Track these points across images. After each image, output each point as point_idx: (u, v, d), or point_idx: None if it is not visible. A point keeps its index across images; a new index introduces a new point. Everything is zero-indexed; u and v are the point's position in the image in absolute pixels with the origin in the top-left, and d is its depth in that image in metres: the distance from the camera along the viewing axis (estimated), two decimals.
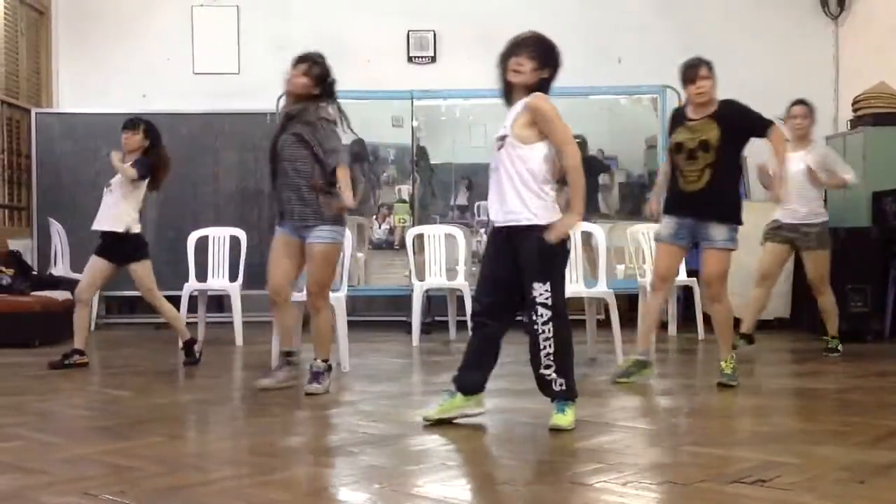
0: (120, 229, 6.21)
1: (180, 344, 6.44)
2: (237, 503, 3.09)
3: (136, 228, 6.29)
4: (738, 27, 9.78)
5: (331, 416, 4.65)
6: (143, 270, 6.29)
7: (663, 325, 7.99)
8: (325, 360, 5.28)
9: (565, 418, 4.21)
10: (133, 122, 6.38)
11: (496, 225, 4.32)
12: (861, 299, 7.46)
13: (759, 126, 5.41)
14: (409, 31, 9.88)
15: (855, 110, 8.67)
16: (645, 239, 8.01)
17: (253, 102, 9.17)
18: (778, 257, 6.75)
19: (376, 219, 9.75)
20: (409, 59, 9.89)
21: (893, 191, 7.88)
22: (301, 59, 5.26)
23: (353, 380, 5.79)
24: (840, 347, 6.69)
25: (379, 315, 9.40)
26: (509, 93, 4.35)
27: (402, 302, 8.78)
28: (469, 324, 4.47)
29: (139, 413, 4.78)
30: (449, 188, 9.62)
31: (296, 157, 5.17)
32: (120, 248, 6.25)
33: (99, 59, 9.86)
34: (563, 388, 4.22)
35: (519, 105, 4.26)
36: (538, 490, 3.28)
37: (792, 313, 8.21)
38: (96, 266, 6.29)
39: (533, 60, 4.23)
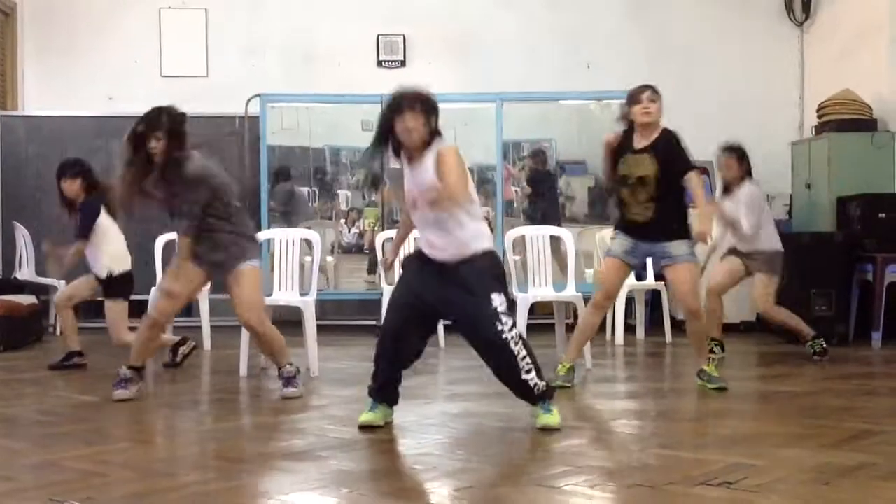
0: (120, 267, 6.36)
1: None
2: None
3: None
4: (706, 35, 9.85)
5: (299, 421, 4.64)
6: (117, 309, 6.29)
7: (631, 329, 8.05)
8: (290, 364, 5.30)
9: (554, 417, 4.27)
10: (70, 169, 6.31)
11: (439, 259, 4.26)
12: (826, 303, 7.54)
13: (679, 166, 5.37)
14: (378, 35, 9.88)
15: (820, 116, 8.76)
16: None
17: (221, 105, 9.11)
18: (733, 272, 6.71)
19: (346, 223, 9.73)
20: (379, 63, 9.88)
21: (857, 196, 7.98)
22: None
23: (322, 384, 5.78)
24: (821, 346, 6.72)
25: (348, 319, 9.38)
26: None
27: (371, 306, 8.77)
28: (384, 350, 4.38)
29: (106, 418, 4.74)
30: None
31: None
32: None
33: (65, 61, 9.77)
34: (545, 388, 4.28)
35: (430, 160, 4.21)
36: (505, 492, 3.30)
37: (757, 317, 8.28)
38: (89, 282, 6.39)
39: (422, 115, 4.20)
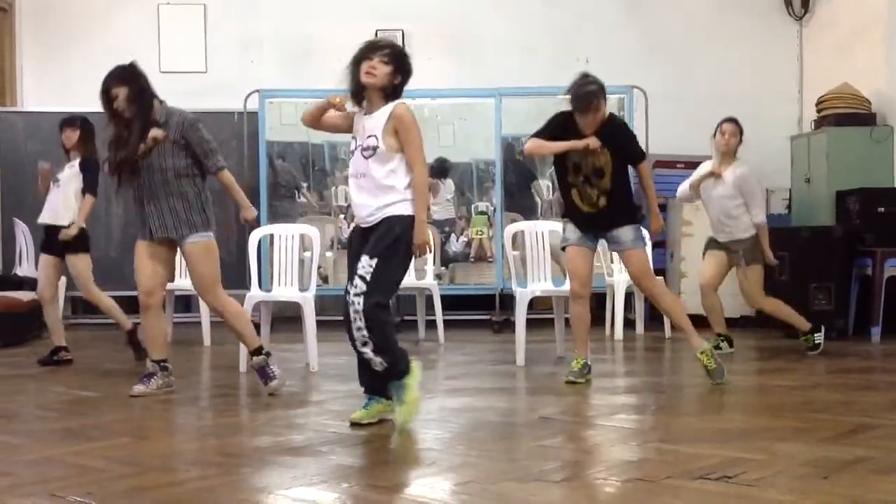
0: (66, 222, 6.36)
1: (126, 339, 6.59)
2: None
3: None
4: (704, 28, 9.86)
5: (299, 416, 4.65)
6: (82, 264, 6.40)
7: (630, 324, 8.06)
8: (260, 352, 5.26)
9: (404, 411, 4.22)
10: (72, 120, 6.55)
11: (363, 225, 4.29)
12: (825, 297, 7.54)
13: (633, 156, 5.47)
14: (377, 31, 9.85)
15: (819, 111, 8.76)
16: None
17: (220, 101, 9.13)
18: (720, 264, 6.68)
19: (345, 218, 9.72)
20: None
21: (856, 190, 7.98)
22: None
23: (322, 379, 5.79)
24: (818, 340, 6.69)
25: None
26: (361, 94, 4.32)
27: None
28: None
29: (105, 414, 4.75)
30: None
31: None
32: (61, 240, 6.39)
33: (64, 57, 9.77)
34: (386, 371, 4.25)
35: (384, 111, 4.23)
36: (505, 487, 3.30)
37: (757, 311, 8.28)
38: (48, 262, 6.45)
39: (387, 65, 4.23)
